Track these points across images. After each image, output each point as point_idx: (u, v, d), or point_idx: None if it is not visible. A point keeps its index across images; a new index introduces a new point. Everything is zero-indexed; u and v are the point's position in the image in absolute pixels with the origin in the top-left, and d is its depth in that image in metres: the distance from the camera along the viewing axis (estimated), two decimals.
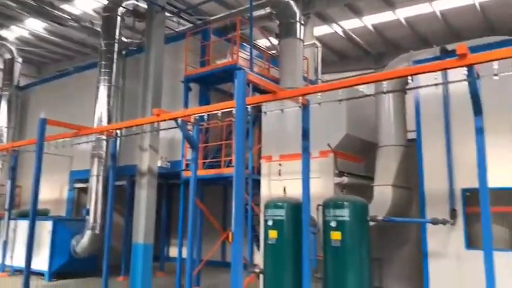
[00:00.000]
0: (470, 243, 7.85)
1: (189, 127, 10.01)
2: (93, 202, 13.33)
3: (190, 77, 12.85)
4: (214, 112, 8.66)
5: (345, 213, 7.96)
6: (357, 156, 10.39)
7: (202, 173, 10.90)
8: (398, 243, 10.57)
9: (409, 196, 9.69)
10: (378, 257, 10.74)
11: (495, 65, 6.05)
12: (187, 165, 11.16)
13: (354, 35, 17.11)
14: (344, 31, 16.91)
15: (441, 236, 8.25)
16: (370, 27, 16.69)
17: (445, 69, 6.16)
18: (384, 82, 7.11)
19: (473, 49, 6.43)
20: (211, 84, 13.22)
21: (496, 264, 7.46)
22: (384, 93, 6.94)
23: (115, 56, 14.26)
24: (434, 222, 7.92)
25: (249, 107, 8.06)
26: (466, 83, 6.36)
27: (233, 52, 12.30)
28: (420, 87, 7.68)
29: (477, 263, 6.89)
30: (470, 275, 7.35)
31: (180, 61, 13.33)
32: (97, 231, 13.11)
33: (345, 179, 9.41)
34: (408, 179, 9.56)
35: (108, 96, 13.95)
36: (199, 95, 13.00)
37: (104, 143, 13.43)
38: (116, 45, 14.38)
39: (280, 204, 8.76)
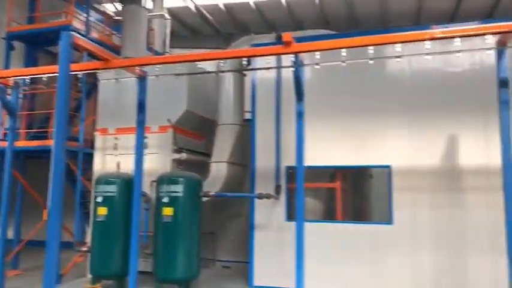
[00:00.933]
0: (290, 215, 8.66)
1: (9, 91, 8.74)
2: None
3: (14, 33, 11.19)
4: (38, 76, 7.70)
5: (178, 189, 7.97)
6: (198, 133, 10.49)
7: (23, 144, 9.70)
8: (231, 218, 11.12)
9: (243, 173, 10.21)
10: (212, 231, 11.16)
11: (317, 55, 6.65)
12: (5, 134, 9.78)
13: (205, 12, 17.07)
14: (196, 7, 16.73)
15: (267, 210, 8.93)
16: (222, 7, 16.86)
17: (272, 54, 6.53)
18: (221, 61, 7.26)
19: (300, 39, 6.96)
20: (41, 45, 11.74)
21: (311, 233, 8.42)
22: (220, 72, 7.05)
23: None
24: (260, 196, 8.51)
25: (80, 74, 7.38)
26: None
27: (68, 12, 11.09)
28: (248, 69, 8.03)
29: (293, 232, 7.65)
30: (288, 244, 8.05)
31: (3, 14, 11.50)
32: None
33: (184, 155, 9.43)
34: (243, 156, 10.05)
35: None
36: (25, 55, 11.43)
37: None
38: None
39: (111, 180, 8.35)
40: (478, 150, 7.76)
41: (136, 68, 7.43)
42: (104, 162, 9.74)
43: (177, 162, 9.16)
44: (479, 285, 7.41)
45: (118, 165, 8.75)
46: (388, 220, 8.25)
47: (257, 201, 8.87)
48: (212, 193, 8.53)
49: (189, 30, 19.49)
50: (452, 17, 16.03)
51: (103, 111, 10.08)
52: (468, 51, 6.02)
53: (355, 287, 8.17)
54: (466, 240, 7.74)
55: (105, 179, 8.39)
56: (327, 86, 8.93)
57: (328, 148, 8.74)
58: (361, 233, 8.37)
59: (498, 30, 5.72)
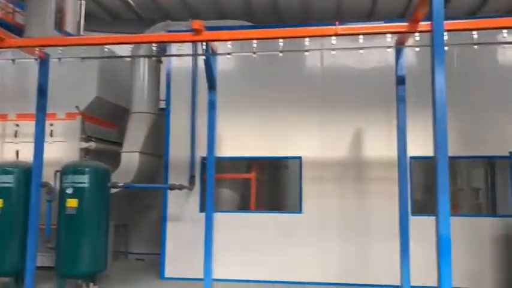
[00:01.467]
0: (204, 207, 8.56)
1: None
2: None
3: None
4: None
5: (84, 180, 7.54)
6: (110, 121, 10.02)
7: None
8: (146, 209, 10.82)
9: (158, 163, 9.94)
10: (125, 223, 10.79)
11: (228, 44, 6.62)
12: None
13: None
14: None
15: (181, 201, 8.80)
16: None
17: (181, 41, 6.37)
18: (131, 46, 6.93)
19: (213, 28, 6.88)
20: None
21: (226, 223, 8.45)
22: (128, 57, 6.74)
23: None
24: (172, 187, 8.35)
25: None
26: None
27: None
28: (156, 55, 7.80)
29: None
30: (201, 235, 7.98)
31: None
32: None
33: (93, 144, 8.97)
34: (158, 146, 9.78)
35: None
36: None
37: None
38: None
39: (8, 169, 7.68)
40: (381, 143, 8.22)
41: (36, 49, 6.88)
42: (1, 151, 8.96)
43: (85, 152, 8.68)
44: (382, 270, 7.88)
45: (17, 153, 8.09)
46: (299, 209, 8.51)
47: (170, 192, 8.69)
48: (121, 184, 8.18)
49: (108, 13, 18.49)
50: (369, 15, 16.81)
51: (2, 95, 9.25)
52: (369, 48, 6.29)
53: (266, 275, 8.34)
54: (370, 227, 8.22)
55: (1, 169, 7.71)
56: (244, 77, 8.97)
57: (243, 139, 8.79)
58: (273, 222, 8.55)
59: (396, 29, 6.06)
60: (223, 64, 8.44)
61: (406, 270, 6.36)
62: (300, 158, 8.62)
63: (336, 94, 8.63)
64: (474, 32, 6.01)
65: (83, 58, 6.98)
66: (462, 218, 8.11)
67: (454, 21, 5.68)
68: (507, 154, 7.81)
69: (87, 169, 7.62)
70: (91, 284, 7.37)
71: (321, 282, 8.14)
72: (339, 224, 8.34)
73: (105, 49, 6.82)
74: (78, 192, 7.48)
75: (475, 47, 6.13)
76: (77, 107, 8.85)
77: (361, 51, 6.33)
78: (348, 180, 8.47)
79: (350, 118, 8.53)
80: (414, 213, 7.93)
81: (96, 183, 7.67)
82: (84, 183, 7.55)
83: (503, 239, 7.84)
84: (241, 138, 8.81)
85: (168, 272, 8.60)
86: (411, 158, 8.04)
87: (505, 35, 6.01)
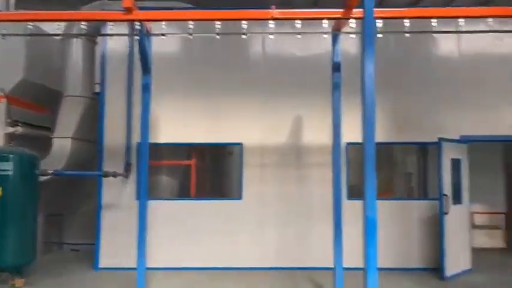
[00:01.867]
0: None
1: None
2: None
3: None
4: None
5: (8, 167, 7.05)
6: (40, 105, 9.40)
7: None
8: (82, 198, 10.35)
9: (92, 150, 9.49)
10: (60, 213, 10.28)
11: (163, 24, 6.37)
12: None
13: None
14: None
15: (117, 189, 8.47)
16: None
17: (111, 20, 6.03)
18: (61, 23, 6.49)
19: (149, 8, 6.59)
20: None
21: (164, 211, 8.26)
22: (56, 35, 6.30)
23: None
24: (105, 175, 8.01)
25: None
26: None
27: None
28: (85, 34, 7.38)
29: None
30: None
31: None
32: None
33: (19, 129, 8.37)
34: (92, 132, 9.33)
35: None
36: None
37: None
38: None
39: None
40: (320, 129, 8.27)
41: None
42: None
43: (11, 137, 8.10)
44: (320, 253, 7.99)
45: None
46: (239, 196, 8.47)
47: (106, 180, 8.34)
48: (50, 171, 7.72)
49: None
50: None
51: None
52: (305, 33, 6.28)
53: (206, 262, 8.25)
54: (309, 212, 8.33)
55: None
56: (185, 61, 8.74)
57: (183, 125, 8.58)
58: (213, 209, 8.46)
59: (332, 15, 6.08)
60: (162, 46, 8.15)
61: (338, 253, 6.50)
62: (240, 144, 8.55)
63: (278, 80, 8.60)
64: (406, 21, 6.17)
65: (3, 35, 6.48)
66: (394, 201, 8.46)
67: (385, 9, 5.78)
68: (436, 140, 8.15)
69: (11, 156, 7.12)
70: (16, 277, 6.95)
71: (260, 267, 8.18)
72: (278, 210, 8.39)
73: (29, 26, 6.31)
74: (1, 180, 6.99)
75: (407, 35, 6.28)
76: (1, 89, 8.21)
77: (298, 36, 6.30)
78: (289, 166, 8.52)
79: (291, 104, 8.55)
80: (352, 197, 8.14)
81: (22, 171, 7.20)
82: (8, 170, 7.07)
83: (430, 220, 8.24)
84: (181, 124, 8.59)
85: (103, 262, 8.30)
86: (348, 143, 8.23)
87: (434, 24, 6.18)
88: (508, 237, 10.55)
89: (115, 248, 8.26)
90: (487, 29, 6.55)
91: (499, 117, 8.44)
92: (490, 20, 6.23)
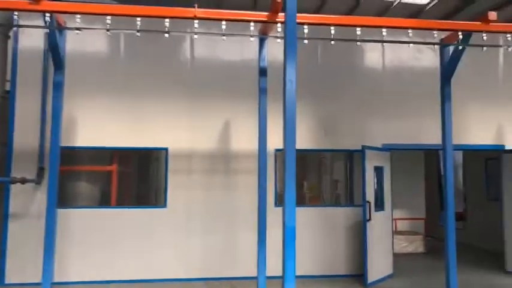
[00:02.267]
0: (60, 201, 7.58)
1: None
2: None
3: None
4: None
5: None
6: None
7: None
8: None
9: (3, 153, 8.63)
10: None
11: (78, 18, 5.88)
12: None
13: None
14: None
15: (27, 196, 7.72)
16: None
17: (15, 10, 5.43)
18: None
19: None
20: None
21: (82, 220, 7.66)
22: None
23: None
24: (12, 181, 7.28)
25: None
26: None
27: None
28: None
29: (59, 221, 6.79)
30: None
31: None
32: None
33: None
34: (3, 134, 8.48)
35: None
36: None
37: None
38: None
39: None
40: (248, 134, 8.08)
41: None
42: None
43: None
44: (246, 263, 7.76)
45: None
46: (163, 204, 8.06)
47: (13, 187, 7.58)
48: None
49: None
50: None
51: None
52: (231, 35, 6.09)
53: (126, 274, 7.75)
54: (236, 220, 8.10)
55: None
56: (108, 59, 8.22)
57: (105, 127, 8.03)
58: (135, 218, 7.97)
59: (257, 18, 5.93)
60: (82, 42, 7.62)
61: (262, 261, 6.34)
62: (166, 149, 8.16)
63: (205, 84, 8.33)
64: (332, 28, 6.16)
65: None
66: (321, 208, 8.50)
67: (307, 14, 5.74)
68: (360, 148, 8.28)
69: None
70: None
71: (185, 278, 7.83)
72: (204, 218, 8.09)
73: None
74: None
75: (332, 42, 6.28)
76: None
77: (223, 37, 6.08)
78: (216, 172, 8.25)
79: (219, 109, 8.31)
80: (280, 204, 8.02)
81: None
82: None
83: (355, 227, 8.35)
84: (102, 127, 8.03)
85: (9, 277, 7.51)
86: (276, 150, 8.13)
87: (358, 32, 6.22)
88: (427, 242, 11.02)
89: (23, 262, 7.50)
90: (408, 40, 6.72)
91: (422, 127, 8.76)
92: (410, 31, 6.39)
